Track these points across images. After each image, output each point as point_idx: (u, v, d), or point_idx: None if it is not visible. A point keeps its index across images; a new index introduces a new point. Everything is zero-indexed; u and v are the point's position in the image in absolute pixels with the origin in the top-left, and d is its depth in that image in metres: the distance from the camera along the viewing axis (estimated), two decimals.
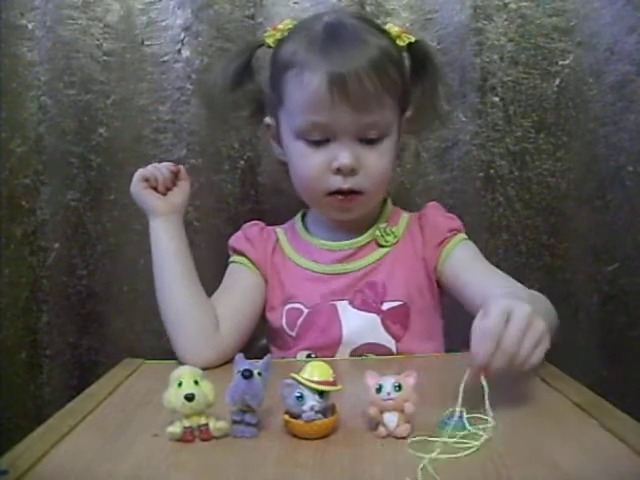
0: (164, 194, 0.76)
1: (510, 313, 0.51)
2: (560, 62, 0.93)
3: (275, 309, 0.78)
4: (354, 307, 0.75)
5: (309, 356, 0.75)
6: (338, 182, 0.72)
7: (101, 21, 0.94)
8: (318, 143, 0.71)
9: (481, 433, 0.49)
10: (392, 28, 0.75)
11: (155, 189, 0.76)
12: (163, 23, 0.94)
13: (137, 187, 0.76)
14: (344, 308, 0.75)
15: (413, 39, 0.75)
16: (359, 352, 0.74)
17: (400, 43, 0.75)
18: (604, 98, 0.92)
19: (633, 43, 0.90)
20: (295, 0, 0.94)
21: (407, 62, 0.77)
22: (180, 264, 0.74)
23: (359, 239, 0.78)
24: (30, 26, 0.94)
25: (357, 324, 0.74)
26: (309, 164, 0.72)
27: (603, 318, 0.94)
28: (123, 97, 0.95)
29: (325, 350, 0.74)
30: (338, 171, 0.71)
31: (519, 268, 0.94)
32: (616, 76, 0.92)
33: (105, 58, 0.95)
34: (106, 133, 0.95)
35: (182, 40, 0.94)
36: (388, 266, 0.76)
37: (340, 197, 0.73)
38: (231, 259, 0.81)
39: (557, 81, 0.93)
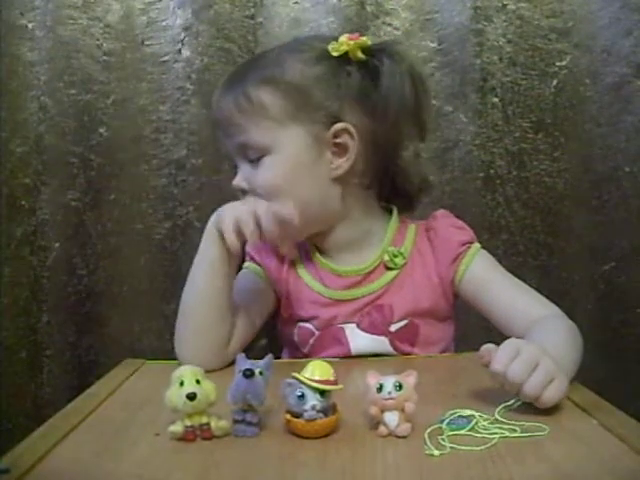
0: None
1: (519, 350, 0.54)
2: (557, 63, 0.93)
3: (288, 323, 0.78)
4: (361, 330, 0.75)
5: None
6: None
7: (101, 21, 0.94)
8: (235, 169, 0.76)
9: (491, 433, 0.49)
10: (337, 40, 0.73)
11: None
12: (163, 23, 0.94)
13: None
14: (352, 331, 0.75)
15: (365, 41, 0.73)
16: None
17: (335, 54, 0.72)
18: (601, 99, 0.93)
19: (629, 45, 0.91)
20: (295, 0, 0.94)
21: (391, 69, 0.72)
22: (220, 281, 0.70)
23: (367, 264, 0.76)
24: (30, 26, 0.94)
25: (365, 346, 0.74)
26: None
27: (600, 317, 0.95)
28: (123, 97, 0.95)
29: None
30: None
31: (517, 267, 0.94)
32: (613, 77, 0.92)
33: (105, 58, 0.95)
34: (106, 133, 0.95)
35: (182, 40, 0.94)
36: (396, 288, 0.75)
37: None
38: (246, 264, 0.80)
39: (554, 82, 0.93)
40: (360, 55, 0.72)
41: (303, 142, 0.72)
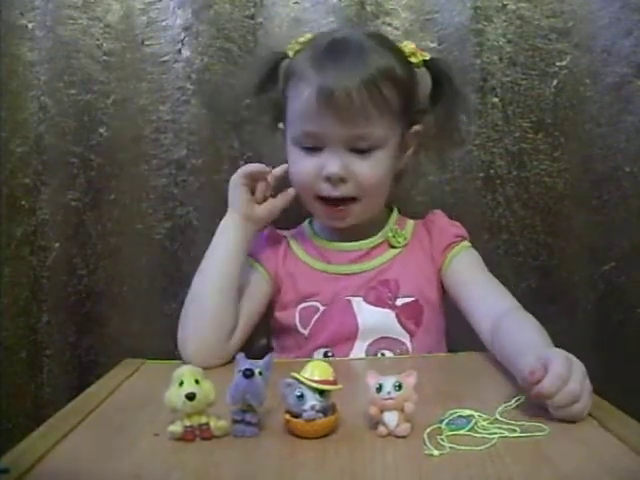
0: (259, 202, 0.77)
1: (572, 365, 0.53)
2: (557, 63, 0.93)
3: (287, 309, 0.79)
4: (368, 303, 0.77)
5: (326, 354, 0.76)
6: (328, 190, 0.74)
7: (101, 21, 0.94)
8: (312, 150, 0.74)
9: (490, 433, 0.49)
10: (407, 46, 0.79)
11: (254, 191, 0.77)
12: (163, 23, 0.94)
13: (237, 180, 0.76)
14: (358, 304, 0.77)
15: (428, 57, 0.80)
16: (375, 346, 0.76)
17: (414, 60, 0.78)
18: (601, 99, 0.93)
19: (630, 45, 0.91)
20: (295, 0, 0.94)
21: (427, 80, 0.81)
22: (231, 268, 0.74)
23: (372, 239, 0.80)
24: (30, 26, 0.94)
25: (372, 319, 0.76)
26: (301, 170, 0.76)
27: (599, 316, 0.95)
28: (123, 97, 0.95)
29: (341, 344, 0.75)
30: (327, 179, 0.73)
31: (517, 267, 0.95)
32: (613, 77, 0.92)
33: (105, 58, 0.95)
34: (106, 133, 0.95)
35: (182, 40, 0.94)
36: (400, 265, 0.79)
37: (329, 204, 0.75)
38: None
39: (555, 82, 0.93)
40: (421, 65, 0.80)
41: (398, 140, 0.76)
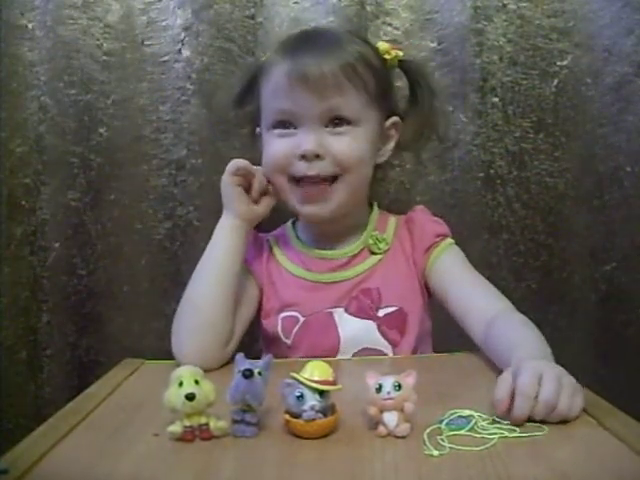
0: (255, 200, 0.76)
1: (542, 374, 0.52)
2: (558, 63, 0.93)
3: (270, 317, 0.78)
4: (350, 314, 0.76)
5: None
6: (303, 169, 0.72)
7: (101, 21, 0.94)
8: (286, 132, 0.73)
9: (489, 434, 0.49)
10: (382, 45, 0.80)
11: (247, 189, 0.76)
12: (163, 23, 0.94)
13: (228, 180, 0.75)
14: (340, 315, 0.76)
15: (401, 54, 0.80)
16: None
17: (388, 57, 0.79)
18: (602, 99, 0.93)
19: (631, 44, 0.91)
20: (295, 0, 0.94)
21: (404, 80, 0.82)
22: (229, 273, 0.73)
23: (352, 247, 0.79)
24: (30, 26, 0.94)
25: (354, 331, 0.75)
26: (275, 151, 0.74)
27: (601, 317, 0.95)
28: (123, 97, 0.95)
29: (324, 356, 0.74)
30: (303, 157, 0.72)
31: (518, 268, 0.95)
32: (614, 77, 0.92)
33: (105, 58, 0.95)
34: (106, 133, 0.95)
35: (182, 40, 0.94)
36: (382, 272, 0.78)
37: (307, 184, 0.73)
38: None
39: (555, 82, 0.93)
40: (396, 65, 0.81)
41: (376, 125, 0.76)
